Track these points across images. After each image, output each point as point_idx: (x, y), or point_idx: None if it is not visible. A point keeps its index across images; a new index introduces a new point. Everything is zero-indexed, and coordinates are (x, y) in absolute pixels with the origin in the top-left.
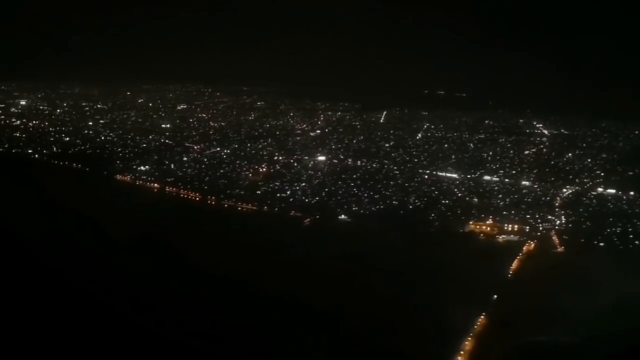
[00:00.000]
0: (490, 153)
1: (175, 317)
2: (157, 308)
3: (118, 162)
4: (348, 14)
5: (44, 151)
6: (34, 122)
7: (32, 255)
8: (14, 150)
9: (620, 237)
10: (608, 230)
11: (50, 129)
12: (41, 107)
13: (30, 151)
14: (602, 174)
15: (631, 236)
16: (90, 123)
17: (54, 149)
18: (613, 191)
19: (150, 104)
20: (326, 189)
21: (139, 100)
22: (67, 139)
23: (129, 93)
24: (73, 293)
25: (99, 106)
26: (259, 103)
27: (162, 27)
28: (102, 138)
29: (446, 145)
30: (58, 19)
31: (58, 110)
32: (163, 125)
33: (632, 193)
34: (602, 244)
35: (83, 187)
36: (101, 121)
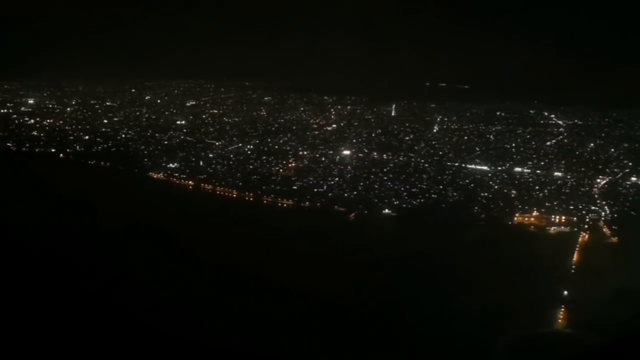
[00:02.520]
0: (513, 144)
1: (226, 319)
2: (206, 310)
3: (145, 159)
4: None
5: (68, 150)
6: (47, 120)
7: (78, 256)
8: (37, 150)
9: None
10: None
11: (66, 127)
12: (50, 106)
13: (53, 150)
14: (630, 163)
15: None
16: (105, 121)
17: (77, 147)
18: None
19: (159, 101)
20: (361, 183)
21: (146, 97)
22: (87, 137)
23: (133, 90)
24: (118, 294)
25: (108, 103)
26: (266, 98)
27: (153, 24)
28: (123, 136)
29: (466, 138)
30: (47, 17)
31: (68, 109)
32: (178, 122)
33: None
34: None
35: (119, 186)
36: (115, 119)
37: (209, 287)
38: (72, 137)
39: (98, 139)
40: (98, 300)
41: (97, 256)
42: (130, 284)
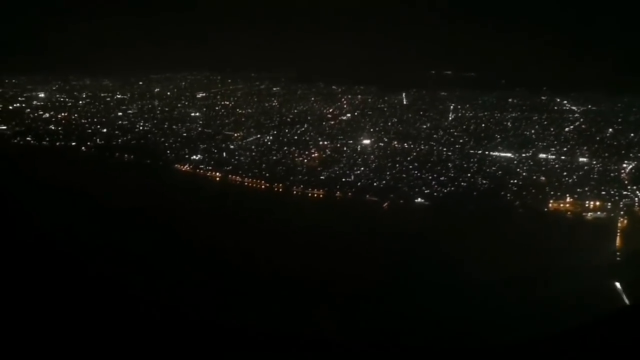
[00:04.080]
0: (532, 131)
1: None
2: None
3: (168, 152)
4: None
5: (88, 143)
6: (62, 114)
7: (108, 250)
8: (58, 144)
9: None
10: None
11: (83, 120)
12: (62, 100)
13: (74, 144)
14: None
15: None
16: (120, 114)
17: (98, 140)
18: None
19: (169, 93)
20: (388, 173)
21: (156, 90)
22: (105, 130)
23: (141, 83)
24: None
25: (118, 96)
26: (274, 89)
27: (147, 16)
28: (140, 128)
29: (483, 125)
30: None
31: (80, 102)
32: (192, 114)
33: None
34: None
35: (148, 179)
36: (129, 111)
37: (248, 281)
38: (90, 131)
39: (117, 132)
40: (120, 292)
41: (130, 250)
42: (163, 279)
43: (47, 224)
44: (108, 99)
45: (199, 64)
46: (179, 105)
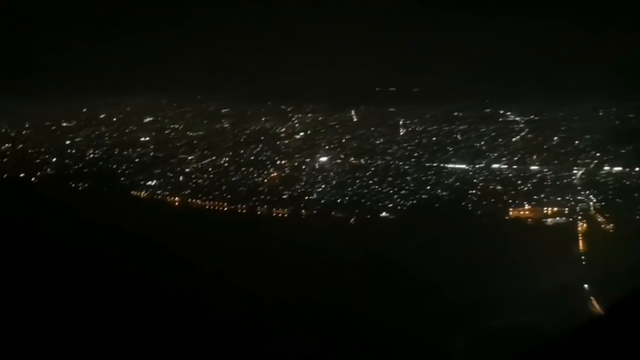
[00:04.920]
0: (482, 142)
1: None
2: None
3: (123, 179)
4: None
5: (38, 173)
6: (6, 145)
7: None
8: (5, 176)
9: None
10: None
11: (29, 151)
12: (4, 130)
13: (23, 175)
14: (598, 154)
15: None
16: (68, 142)
17: (48, 170)
18: (620, 168)
19: (115, 119)
20: (349, 189)
21: (101, 116)
22: (54, 159)
23: (85, 109)
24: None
25: (64, 124)
26: (223, 110)
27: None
28: (91, 156)
29: (434, 138)
30: None
31: (24, 132)
32: (142, 139)
33: (637, 169)
34: None
35: (106, 207)
36: (77, 139)
37: (216, 309)
38: (38, 161)
39: (67, 161)
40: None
41: (90, 283)
42: (126, 311)
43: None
44: (53, 127)
45: (143, 87)
46: (127, 130)
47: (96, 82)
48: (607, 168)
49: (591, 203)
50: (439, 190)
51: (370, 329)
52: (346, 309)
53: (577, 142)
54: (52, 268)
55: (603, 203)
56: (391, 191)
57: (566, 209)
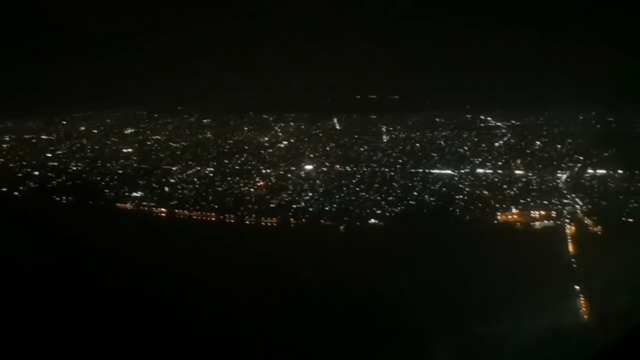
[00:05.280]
0: (466, 148)
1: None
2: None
3: (107, 191)
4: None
5: (21, 187)
6: None
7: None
8: None
9: None
10: (629, 207)
11: (11, 165)
12: None
13: (5, 189)
14: (581, 157)
15: None
16: (49, 155)
17: (31, 184)
18: (604, 171)
19: (95, 131)
20: (337, 196)
21: (81, 128)
22: (36, 173)
23: (64, 122)
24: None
25: (44, 137)
26: (205, 121)
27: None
28: (74, 169)
29: (418, 145)
30: None
31: (4, 145)
32: (125, 151)
33: (620, 171)
34: (630, 220)
35: (92, 220)
36: (58, 152)
37: (210, 319)
38: (21, 175)
39: (50, 174)
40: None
41: (82, 295)
42: (114, 324)
43: None
44: (34, 140)
45: (122, 100)
46: (108, 142)
47: (75, 95)
48: (591, 171)
49: (578, 206)
50: (427, 196)
51: (362, 336)
52: (340, 317)
53: (559, 146)
54: (39, 281)
55: (590, 206)
56: (379, 198)
57: (554, 212)
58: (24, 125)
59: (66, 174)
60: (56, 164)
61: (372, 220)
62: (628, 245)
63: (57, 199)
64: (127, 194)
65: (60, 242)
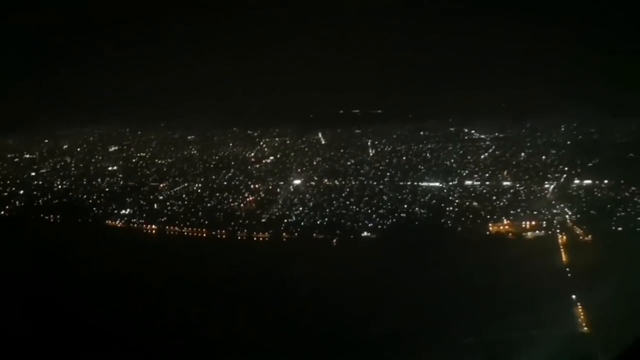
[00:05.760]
0: (452, 160)
1: None
2: None
3: (95, 208)
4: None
5: (7, 207)
6: None
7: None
8: None
9: (631, 221)
10: (617, 215)
11: None
12: None
13: None
14: (566, 168)
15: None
16: (33, 174)
17: (17, 203)
18: (590, 181)
19: (79, 149)
20: (327, 210)
21: (64, 147)
22: (21, 192)
23: (47, 140)
24: None
25: (27, 156)
26: (189, 137)
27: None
28: (59, 187)
29: (404, 158)
30: None
31: None
32: (110, 168)
33: (606, 181)
34: (620, 229)
35: (81, 238)
36: (42, 171)
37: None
38: (6, 194)
39: (35, 193)
40: None
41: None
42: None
43: None
44: (16, 159)
45: (103, 118)
46: (93, 160)
47: (55, 113)
48: (577, 181)
49: (567, 216)
50: (417, 209)
51: (357, 348)
52: (335, 328)
53: (544, 157)
54: (32, 300)
55: (579, 215)
56: (369, 211)
57: (544, 222)
58: (5, 143)
59: (52, 193)
60: (41, 182)
61: (365, 233)
62: (620, 254)
63: (45, 217)
64: (115, 211)
65: (51, 261)
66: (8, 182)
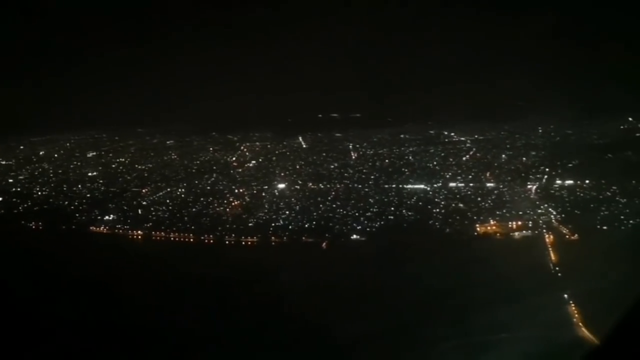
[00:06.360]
0: (435, 162)
1: None
2: None
3: (77, 215)
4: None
5: None
6: None
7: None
8: None
9: (615, 219)
10: (601, 214)
11: None
12: None
13: None
14: (547, 169)
15: (623, 217)
16: (11, 180)
17: None
18: (571, 182)
19: (56, 155)
20: (314, 213)
21: (41, 153)
22: (0, 198)
23: (22, 147)
24: None
25: (2, 162)
26: (168, 142)
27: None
28: (39, 193)
29: (387, 161)
30: None
31: None
32: (90, 174)
33: (587, 181)
34: (605, 227)
35: (66, 245)
36: (20, 177)
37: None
38: None
39: (14, 199)
40: None
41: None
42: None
43: None
44: None
45: (78, 124)
46: (71, 166)
47: (29, 119)
48: (559, 182)
49: (552, 216)
50: (404, 211)
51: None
52: (327, 332)
53: (524, 159)
54: (19, 307)
55: (563, 215)
56: (357, 214)
57: (530, 222)
58: None
59: (32, 199)
60: (19, 189)
61: (354, 236)
62: (608, 251)
63: (27, 224)
64: (99, 217)
65: (35, 268)
66: None
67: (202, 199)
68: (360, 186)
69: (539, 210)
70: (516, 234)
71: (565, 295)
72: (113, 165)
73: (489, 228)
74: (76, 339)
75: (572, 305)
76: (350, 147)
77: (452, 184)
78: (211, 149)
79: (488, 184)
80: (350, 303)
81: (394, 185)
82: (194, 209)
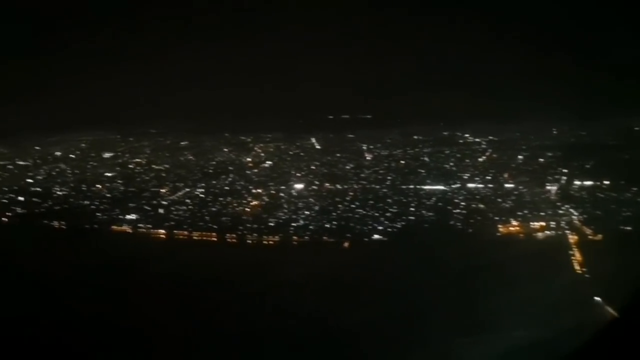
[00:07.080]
0: (451, 163)
1: None
2: None
3: (98, 214)
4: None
5: (8, 213)
6: None
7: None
8: None
9: (637, 220)
10: (623, 215)
11: None
12: None
13: None
14: (564, 170)
15: None
16: (30, 180)
17: (18, 210)
18: (590, 182)
19: (72, 156)
20: (333, 214)
21: (56, 153)
22: (21, 198)
23: (37, 147)
24: None
25: (20, 163)
26: (182, 143)
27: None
28: (59, 193)
29: (403, 162)
30: None
31: None
32: (107, 174)
33: (606, 182)
34: (628, 228)
35: (89, 243)
36: (38, 177)
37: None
38: (5, 201)
39: (35, 199)
40: None
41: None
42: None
43: None
44: (10, 166)
45: (89, 124)
46: (88, 166)
47: (42, 120)
48: (578, 183)
49: (574, 217)
50: (424, 211)
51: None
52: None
53: (541, 159)
54: (45, 309)
55: (585, 216)
56: (376, 214)
57: (552, 222)
58: None
59: (52, 199)
60: (39, 188)
61: (376, 236)
62: (633, 251)
63: (50, 223)
64: (120, 216)
65: (60, 268)
66: (5, 188)
67: (221, 198)
68: (377, 187)
69: (560, 211)
70: (539, 234)
71: (595, 296)
72: (130, 166)
73: (511, 228)
74: (99, 338)
75: (603, 305)
76: (364, 148)
77: (470, 185)
78: (225, 149)
79: (506, 185)
80: (376, 303)
81: (411, 186)
82: (214, 209)
